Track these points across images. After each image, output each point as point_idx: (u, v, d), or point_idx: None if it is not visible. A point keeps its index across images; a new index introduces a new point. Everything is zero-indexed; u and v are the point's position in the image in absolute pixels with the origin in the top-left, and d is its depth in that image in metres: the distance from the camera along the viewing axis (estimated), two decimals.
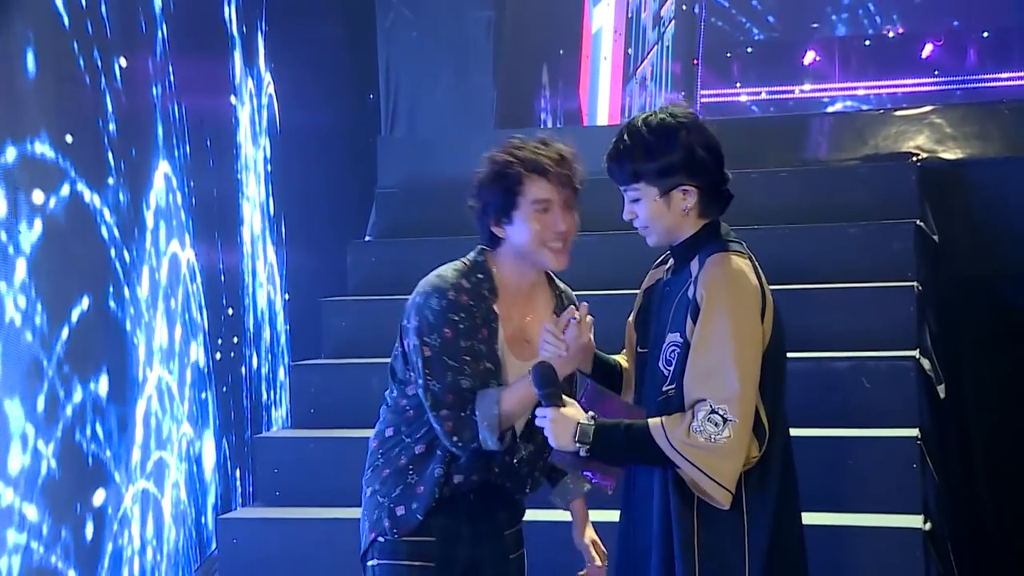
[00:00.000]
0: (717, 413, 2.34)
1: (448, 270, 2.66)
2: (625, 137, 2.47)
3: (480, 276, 2.65)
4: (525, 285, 2.70)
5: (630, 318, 2.69)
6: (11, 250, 3.12)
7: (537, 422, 2.50)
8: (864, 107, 14.00)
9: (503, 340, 2.66)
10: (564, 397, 2.49)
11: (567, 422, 2.44)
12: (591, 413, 2.46)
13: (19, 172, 3.16)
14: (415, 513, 2.64)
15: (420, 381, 2.60)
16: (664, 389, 2.44)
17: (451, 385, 2.58)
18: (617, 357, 2.74)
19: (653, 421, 2.42)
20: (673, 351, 2.44)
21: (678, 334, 2.43)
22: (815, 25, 16.11)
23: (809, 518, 3.50)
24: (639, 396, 2.58)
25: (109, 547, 3.60)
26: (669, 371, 2.44)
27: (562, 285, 2.81)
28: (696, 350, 2.39)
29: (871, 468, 3.87)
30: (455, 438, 2.58)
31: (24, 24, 3.24)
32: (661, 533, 2.45)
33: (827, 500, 3.76)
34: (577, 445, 2.42)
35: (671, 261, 2.58)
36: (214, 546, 4.34)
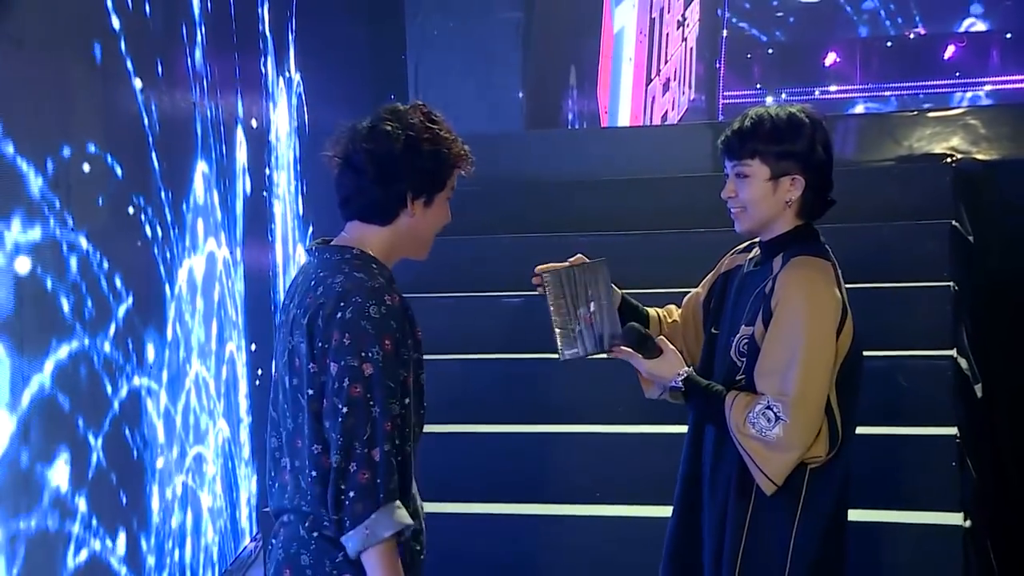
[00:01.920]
0: (771, 409, 2.40)
1: (362, 272, 2.32)
2: (753, 115, 2.52)
3: (374, 266, 2.36)
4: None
5: (699, 292, 2.73)
6: (64, 247, 3.15)
7: (642, 372, 2.57)
8: (887, 109, 13.98)
9: None
10: (657, 341, 2.57)
11: (661, 376, 2.56)
12: (683, 370, 2.54)
13: (66, 172, 3.20)
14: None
15: (343, 409, 2.21)
16: (737, 379, 2.51)
17: (391, 418, 2.23)
18: (656, 310, 2.80)
19: (728, 396, 2.49)
20: (745, 344, 2.50)
21: (751, 329, 2.48)
22: (836, 28, 16.09)
23: (851, 514, 3.54)
24: (706, 375, 2.62)
25: (153, 540, 3.64)
26: (742, 363, 2.50)
27: None
28: (766, 348, 2.45)
29: (910, 466, 3.89)
30: (353, 493, 2.20)
31: (76, 25, 3.28)
32: (718, 517, 2.51)
33: (867, 497, 3.76)
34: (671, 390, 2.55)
35: (756, 251, 2.60)
36: (247, 540, 4.38)
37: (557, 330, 2.63)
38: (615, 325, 2.62)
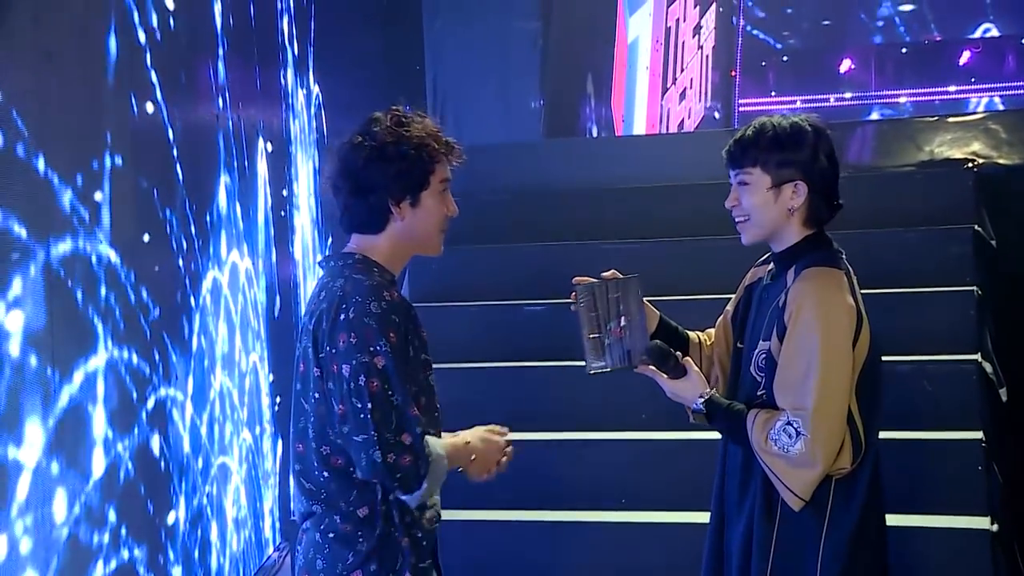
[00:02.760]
0: (792, 425, 2.39)
1: (361, 274, 2.39)
2: (755, 125, 2.53)
3: (375, 269, 2.41)
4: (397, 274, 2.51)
5: (728, 308, 2.73)
6: (94, 260, 3.18)
7: (666, 392, 2.59)
8: (902, 116, 13.96)
9: None
10: (681, 362, 2.57)
11: (683, 398, 2.57)
12: (706, 391, 2.55)
13: (90, 183, 3.22)
14: (419, 566, 2.38)
15: (367, 405, 2.25)
16: (758, 394, 2.51)
17: (413, 403, 2.30)
18: (696, 333, 2.80)
19: (750, 414, 2.49)
20: (764, 358, 2.49)
21: (768, 343, 2.48)
22: (851, 35, 16.08)
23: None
24: (733, 389, 2.62)
25: (181, 550, 3.65)
26: (762, 378, 2.50)
27: None
28: (783, 362, 2.45)
29: (936, 470, 3.89)
30: (399, 476, 2.28)
31: (102, 39, 3.31)
32: (744, 535, 2.50)
33: (893, 502, 3.75)
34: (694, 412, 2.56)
35: (771, 264, 2.60)
36: (270, 549, 4.39)
37: (586, 342, 2.64)
38: (644, 341, 2.63)
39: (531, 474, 4.19)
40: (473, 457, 2.47)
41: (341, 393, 2.30)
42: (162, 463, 3.58)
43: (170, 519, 3.58)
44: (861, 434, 2.45)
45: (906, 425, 4.03)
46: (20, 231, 2.77)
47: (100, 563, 3.16)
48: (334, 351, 2.30)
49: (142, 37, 3.51)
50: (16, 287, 2.75)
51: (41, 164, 2.90)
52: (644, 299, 2.71)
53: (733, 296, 2.77)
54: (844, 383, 2.41)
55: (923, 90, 15.24)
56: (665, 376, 2.57)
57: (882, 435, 3.94)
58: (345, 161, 2.43)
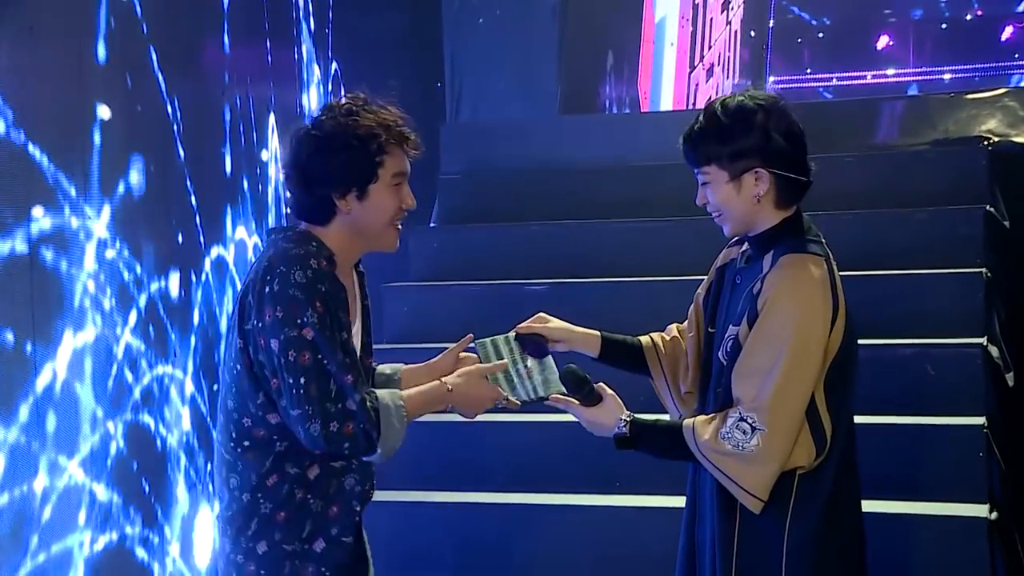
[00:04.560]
0: (745, 421, 2.30)
1: (286, 244, 2.34)
2: (701, 119, 2.42)
3: (314, 244, 2.34)
4: (347, 265, 2.44)
5: (699, 292, 2.67)
6: (82, 236, 3.18)
7: (578, 419, 2.49)
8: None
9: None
10: (596, 388, 2.48)
11: (603, 426, 2.47)
12: (626, 414, 2.45)
13: (89, 157, 3.22)
14: (340, 538, 2.35)
15: (300, 379, 2.22)
16: (722, 381, 2.42)
17: (347, 365, 2.26)
18: (651, 336, 2.73)
19: (686, 423, 2.40)
20: (732, 344, 2.40)
21: (738, 328, 2.39)
22: (888, 10, 15.86)
23: (873, 506, 3.48)
24: (703, 375, 2.55)
25: (178, 529, 3.67)
26: (728, 364, 2.41)
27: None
28: (749, 349, 2.35)
29: (936, 456, 3.82)
30: (347, 445, 2.26)
31: (96, 10, 3.30)
32: (711, 531, 2.45)
33: (891, 488, 3.72)
34: (616, 439, 2.45)
35: (747, 246, 2.52)
36: None
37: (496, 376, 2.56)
38: (553, 374, 2.56)
39: (526, 457, 4.17)
40: (451, 389, 2.43)
41: (273, 367, 2.27)
42: (158, 442, 3.59)
43: (167, 498, 3.59)
44: (826, 428, 2.35)
45: (907, 410, 3.96)
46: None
47: (87, 540, 3.18)
48: (261, 325, 2.27)
49: (138, 9, 3.50)
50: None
51: (21, 137, 2.90)
52: (577, 328, 2.68)
53: (705, 278, 2.70)
54: (808, 381, 2.32)
55: (962, 66, 14.98)
56: (577, 404, 2.49)
57: (882, 420, 3.93)
58: (294, 151, 2.39)
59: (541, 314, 2.72)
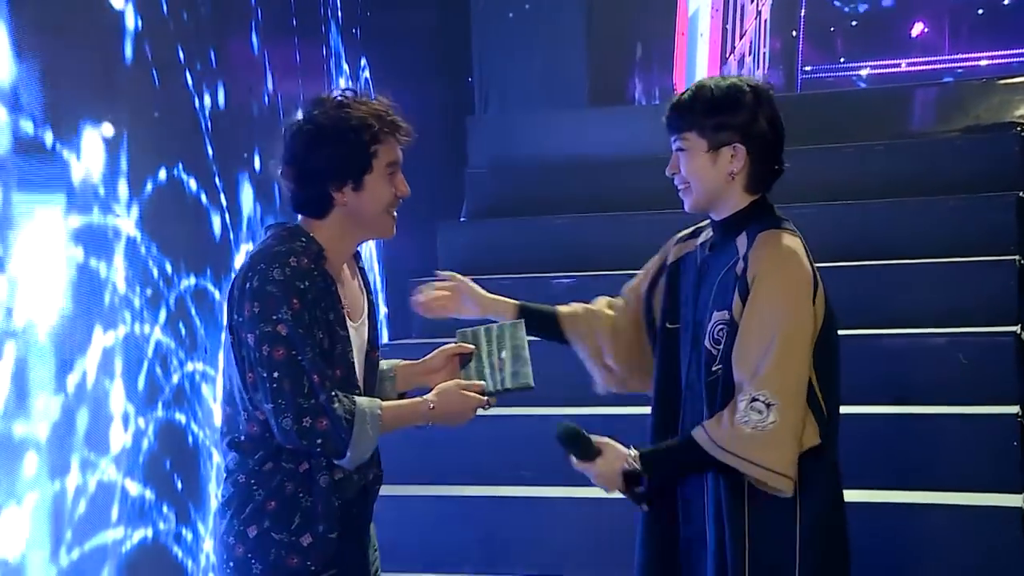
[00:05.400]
0: (758, 400, 2.29)
1: (271, 241, 2.38)
2: (693, 89, 2.46)
3: (303, 240, 2.37)
4: (344, 256, 2.46)
5: (639, 279, 2.67)
6: (111, 234, 3.21)
7: (592, 479, 2.45)
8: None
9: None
10: (595, 440, 2.44)
11: (612, 473, 2.42)
12: (631, 451, 2.41)
13: (119, 156, 3.25)
14: (326, 535, 2.36)
15: (274, 374, 2.26)
16: (714, 369, 2.40)
17: (319, 370, 2.28)
18: (570, 305, 2.73)
19: (694, 431, 2.38)
20: (721, 329, 2.39)
21: (725, 312, 2.38)
22: None
23: (906, 496, 3.46)
24: (666, 371, 2.54)
25: (210, 525, 3.70)
26: (718, 350, 2.39)
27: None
28: (744, 331, 2.34)
29: (968, 445, 3.78)
30: (319, 442, 2.29)
31: (124, 9, 3.32)
32: (715, 518, 2.41)
33: (924, 478, 3.70)
34: (631, 485, 2.42)
35: (706, 235, 2.54)
36: None
37: (465, 369, 2.56)
38: (526, 366, 2.53)
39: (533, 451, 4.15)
40: (433, 407, 2.42)
41: (250, 360, 2.31)
42: (188, 437, 3.62)
43: (199, 493, 3.62)
44: (823, 407, 2.36)
45: (938, 399, 3.93)
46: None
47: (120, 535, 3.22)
48: (241, 319, 2.32)
49: (164, 6, 3.52)
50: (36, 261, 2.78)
51: (49, 136, 2.93)
52: (493, 295, 2.70)
53: (641, 272, 2.69)
54: (806, 349, 2.33)
55: (1000, 53, 14.77)
56: (577, 460, 2.45)
57: (914, 410, 3.91)
58: (288, 146, 2.41)
59: (453, 274, 2.77)
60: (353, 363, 2.40)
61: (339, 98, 2.39)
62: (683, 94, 2.46)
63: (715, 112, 2.41)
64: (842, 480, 2.47)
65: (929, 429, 3.81)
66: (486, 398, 2.49)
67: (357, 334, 2.46)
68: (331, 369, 2.34)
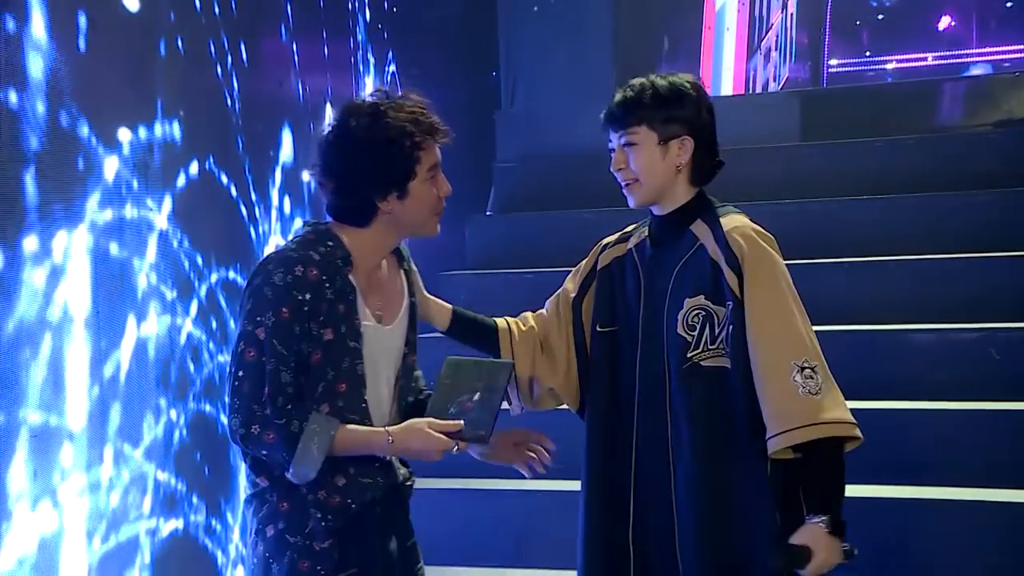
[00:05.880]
0: (804, 368, 2.33)
1: (292, 243, 2.34)
2: (636, 84, 2.50)
3: (330, 244, 2.33)
4: (379, 259, 2.43)
5: (567, 289, 2.68)
6: (144, 228, 3.23)
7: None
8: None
9: (364, 311, 2.37)
10: (794, 543, 2.34)
11: (832, 558, 2.33)
12: (820, 520, 2.32)
13: (150, 149, 3.27)
14: (339, 539, 2.32)
15: (239, 372, 2.24)
16: (688, 355, 2.42)
17: (278, 376, 2.23)
18: (506, 319, 2.72)
19: (775, 438, 2.34)
20: (697, 315, 2.42)
21: (701, 297, 2.42)
22: None
23: (937, 492, 3.44)
24: (602, 374, 2.56)
25: (239, 517, 3.72)
26: (693, 336, 2.43)
27: (405, 251, 2.58)
28: (759, 309, 2.37)
29: (999, 441, 3.77)
30: (264, 453, 2.25)
31: (157, 2, 3.34)
32: (693, 482, 2.42)
33: (957, 474, 3.70)
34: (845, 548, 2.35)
35: (639, 237, 2.59)
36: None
37: (435, 401, 2.44)
38: (490, 415, 2.40)
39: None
40: (392, 440, 2.31)
41: (231, 352, 2.31)
42: (218, 428, 3.64)
43: (229, 484, 3.64)
44: None
45: (969, 395, 3.91)
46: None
47: (153, 526, 3.24)
48: (240, 312, 2.32)
49: (198, 1, 3.54)
50: (65, 255, 2.80)
51: (85, 130, 2.95)
52: (431, 296, 2.67)
53: (567, 283, 2.70)
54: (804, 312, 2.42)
55: None
56: (804, 571, 2.35)
57: (946, 406, 3.88)
58: (325, 158, 2.37)
59: None
60: (363, 375, 2.35)
61: (372, 103, 2.35)
62: (626, 91, 2.50)
63: (665, 106, 2.47)
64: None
65: (962, 425, 3.79)
66: (455, 443, 2.36)
67: (389, 336, 2.43)
68: (329, 383, 2.29)
